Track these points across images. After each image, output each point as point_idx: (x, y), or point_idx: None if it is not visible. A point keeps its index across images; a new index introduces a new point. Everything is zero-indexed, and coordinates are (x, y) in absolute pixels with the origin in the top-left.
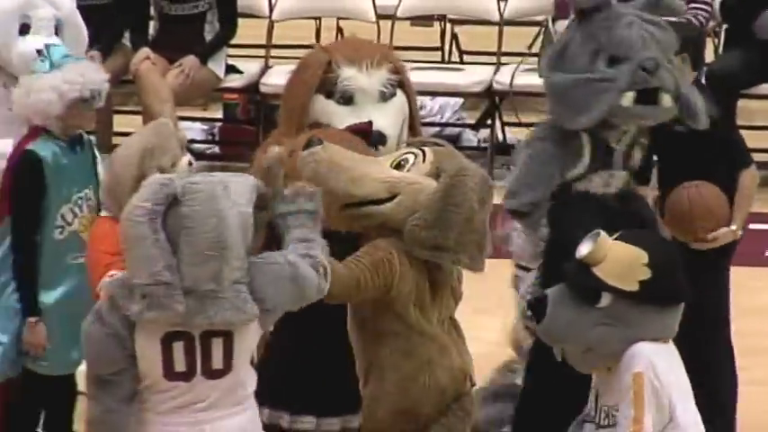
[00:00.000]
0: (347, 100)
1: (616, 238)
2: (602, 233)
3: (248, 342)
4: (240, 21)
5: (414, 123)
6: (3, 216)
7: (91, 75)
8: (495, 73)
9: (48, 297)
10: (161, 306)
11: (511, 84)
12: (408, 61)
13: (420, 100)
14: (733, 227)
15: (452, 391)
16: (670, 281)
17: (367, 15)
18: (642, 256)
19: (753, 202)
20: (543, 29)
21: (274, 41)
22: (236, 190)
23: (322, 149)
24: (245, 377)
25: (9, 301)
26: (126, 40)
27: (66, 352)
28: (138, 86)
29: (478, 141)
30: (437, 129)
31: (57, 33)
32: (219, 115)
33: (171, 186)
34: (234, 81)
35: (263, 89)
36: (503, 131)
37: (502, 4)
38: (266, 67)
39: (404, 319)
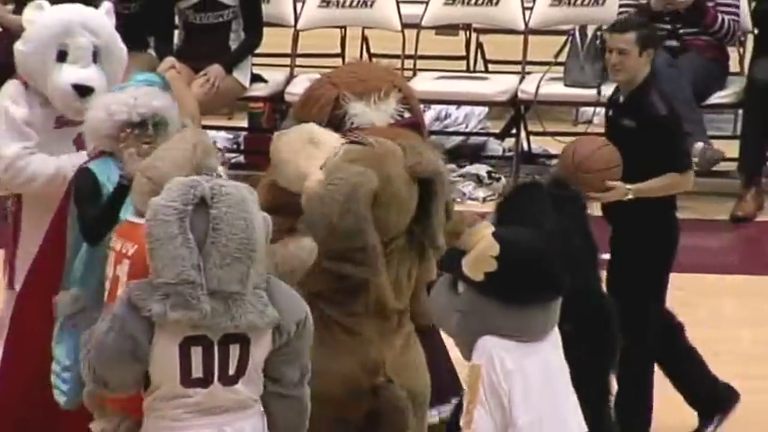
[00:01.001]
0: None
1: (495, 230)
2: (486, 222)
3: (262, 350)
4: (265, 30)
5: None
6: (61, 235)
7: (145, 100)
8: (520, 82)
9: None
10: (186, 306)
11: (536, 93)
12: (433, 70)
13: (445, 109)
14: (628, 186)
15: (365, 382)
16: (517, 279)
17: (392, 24)
18: (494, 248)
19: (663, 192)
20: (569, 38)
21: (300, 50)
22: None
23: (276, 137)
24: (257, 382)
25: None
26: (151, 49)
27: None
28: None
29: (503, 150)
30: (462, 138)
31: (96, 60)
32: (244, 124)
33: (199, 188)
34: (259, 90)
35: (288, 98)
36: (528, 140)
37: (527, 13)
38: (291, 76)
39: (321, 312)
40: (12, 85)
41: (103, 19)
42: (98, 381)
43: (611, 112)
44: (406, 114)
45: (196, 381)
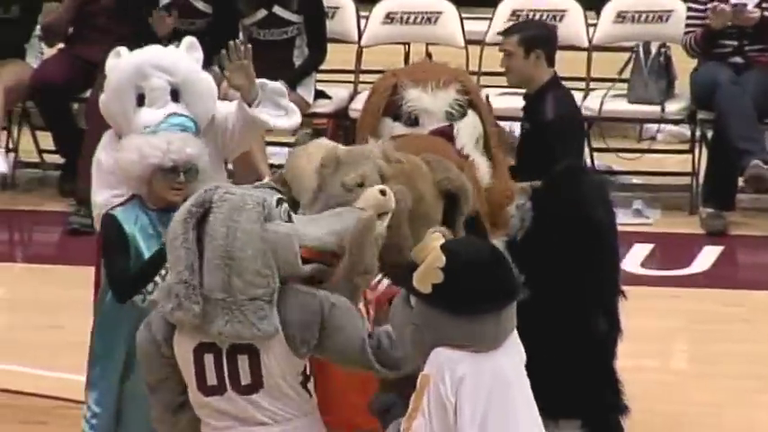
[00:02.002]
0: (413, 121)
1: (443, 242)
2: (437, 233)
3: (278, 361)
4: (329, 46)
5: (488, 144)
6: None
7: (179, 146)
8: (583, 99)
9: (130, 375)
10: (180, 306)
11: (600, 109)
12: (497, 86)
13: (509, 125)
14: None
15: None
16: (462, 289)
17: (456, 41)
18: (439, 260)
19: None
20: (633, 55)
21: (363, 67)
22: (285, 211)
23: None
24: (290, 395)
25: (108, 367)
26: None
27: (143, 426)
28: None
29: None
30: None
31: (177, 99)
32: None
33: (209, 193)
34: (323, 106)
35: (351, 114)
36: (591, 157)
37: (591, 29)
38: (355, 93)
39: None
40: (106, 135)
41: (178, 56)
42: (149, 389)
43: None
44: (470, 114)
45: (212, 388)
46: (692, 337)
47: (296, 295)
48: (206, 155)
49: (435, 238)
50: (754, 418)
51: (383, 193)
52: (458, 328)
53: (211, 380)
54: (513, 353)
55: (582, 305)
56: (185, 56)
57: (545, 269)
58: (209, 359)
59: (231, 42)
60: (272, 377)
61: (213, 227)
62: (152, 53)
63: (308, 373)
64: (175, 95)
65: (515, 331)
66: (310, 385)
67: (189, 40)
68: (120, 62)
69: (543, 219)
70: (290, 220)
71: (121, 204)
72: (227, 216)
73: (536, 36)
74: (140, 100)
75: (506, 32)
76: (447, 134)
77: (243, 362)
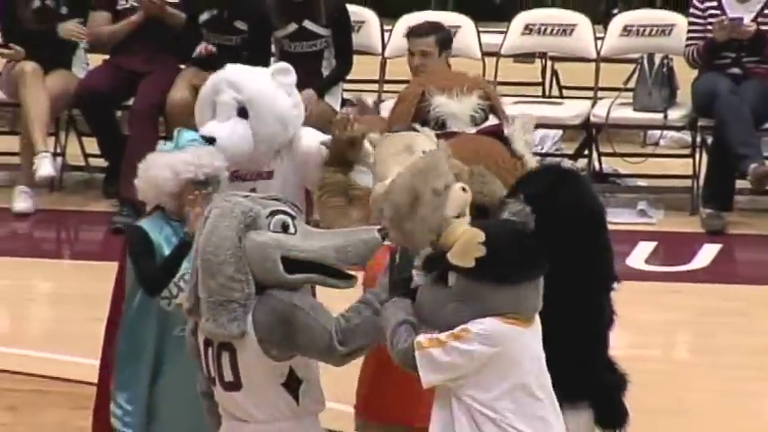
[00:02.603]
0: (441, 125)
1: (470, 224)
2: (456, 221)
3: (252, 362)
4: (355, 57)
5: (505, 143)
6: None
7: (209, 160)
8: (592, 107)
9: (159, 376)
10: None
11: (607, 117)
12: (511, 95)
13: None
14: None
15: None
16: (504, 260)
17: (473, 53)
18: (479, 235)
19: None
20: (638, 66)
21: (387, 77)
22: (276, 222)
23: (383, 137)
24: (269, 397)
25: (137, 366)
26: None
27: (187, 421)
28: None
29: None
30: (538, 158)
31: (245, 115)
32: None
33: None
34: (349, 114)
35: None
36: (599, 161)
37: (599, 42)
38: (379, 101)
39: None
40: None
41: (250, 75)
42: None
43: None
44: (491, 118)
45: (211, 379)
46: (694, 329)
47: (267, 300)
48: (225, 165)
49: (461, 223)
50: (751, 405)
51: (464, 190)
52: (502, 298)
53: (210, 372)
54: (538, 330)
55: (583, 296)
56: (263, 77)
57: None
58: (209, 353)
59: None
60: (248, 377)
61: (201, 231)
62: (229, 71)
63: (297, 377)
64: (243, 112)
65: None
66: (302, 389)
67: (281, 65)
68: (210, 77)
69: (543, 219)
70: (285, 231)
71: (146, 216)
72: (212, 222)
73: (447, 37)
74: (214, 113)
75: (420, 33)
76: (498, 134)
77: (225, 359)
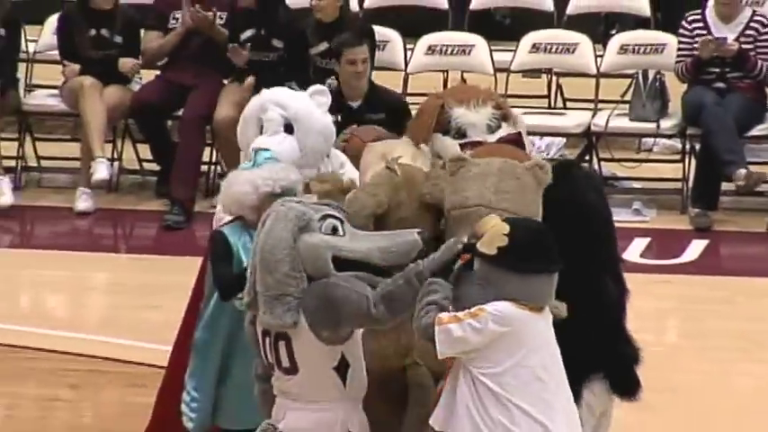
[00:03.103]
0: (461, 134)
1: (502, 219)
2: (492, 216)
3: (306, 348)
4: (381, 73)
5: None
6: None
7: (283, 174)
8: (592, 117)
9: (228, 369)
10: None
11: (606, 126)
12: (520, 107)
13: (531, 139)
14: None
15: (396, 362)
16: (525, 252)
17: (486, 69)
18: (504, 228)
19: None
20: (634, 80)
21: (409, 90)
22: (327, 225)
23: (369, 146)
24: (322, 381)
25: (207, 358)
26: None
27: (250, 412)
28: None
29: None
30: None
31: (291, 131)
32: None
33: (275, 205)
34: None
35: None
36: (599, 165)
37: (599, 59)
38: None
39: None
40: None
41: (294, 95)
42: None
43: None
44: (503, 125)
45: (270, 365)
46: (683, 315)
47: (310, 288)
48: (300, 178)
49: (493, 217)
50: (735, 384)
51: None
52: (517, 285)
53: (269, 359)
54: (549, 321)
55: (593, 274)
56: (303, 97)
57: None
58: (267, 342)
59: None
60: (304, 362)
61: (259, 233)
62: (274, 91)
63: (347, 361)
64: (289, 128)
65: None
66: (350, 373)
67: (317, 87)
68: (254, 99)
69: (546, 208)
70: (334, 233)
71: (227, 224)
72: (269, 224)
73: (374, 46)
74: (261, 130)
75: (358, 43)
76: (517, 141)
77: (282, 347)
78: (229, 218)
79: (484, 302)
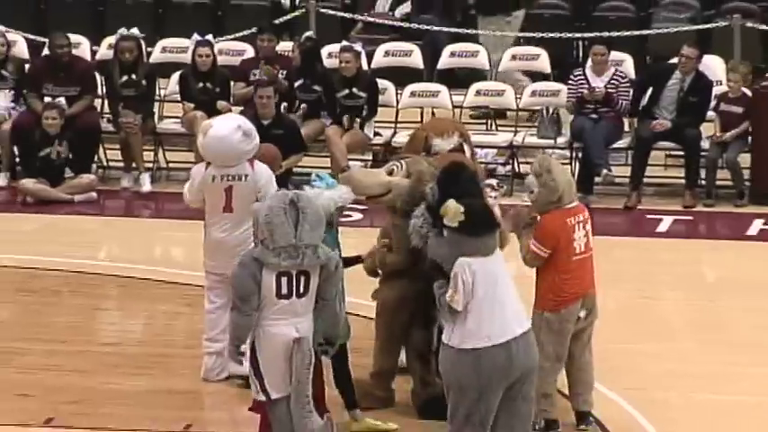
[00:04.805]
0: (436, 155)
1: (457, 201)
2: (451, 200)
3: (316, 280)
4: (381, 108)
5: (472, 159)
6: None
7: (348, 196)
8: (514, 136)
9: None
10: (292, 257)
11: (522, 141)
12: (470, 130)
13: (476, 149)
14: None
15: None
16: (476, 223)
17: (447, 106)
18: (461, 208)
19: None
20: (540, 112)
21: (399, 119)
22: (328, 196)
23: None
24: (313, 300)
25: None
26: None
27: None
28: (327, 142)
29: (505, 172)
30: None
31: None
32: (369, 157)
33: (289, 195)
34: (377, 140)
35: (394, 145)
36: (518, 167)
37: (518, 99)
38: (394, 133)
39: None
40: None
41: None
42: (240, 300)
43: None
44: (465, 146)
45: (283, 295)
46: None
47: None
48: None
49: (453, 202)
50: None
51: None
52: (471, 245)
53: (284, 290)
54: (499, 260)
55: None
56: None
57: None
58: (284, 279)
59: None
60: (312, 289)
61: (307, 209)
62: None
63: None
64: None
65: (499, 249)
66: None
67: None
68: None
69: (445, 193)
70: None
71: None
72: (311, 202)
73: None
74: None
75: (263, 85)
76: (461, 151)
77: (301, 279)
78: None
79: (453, 257)
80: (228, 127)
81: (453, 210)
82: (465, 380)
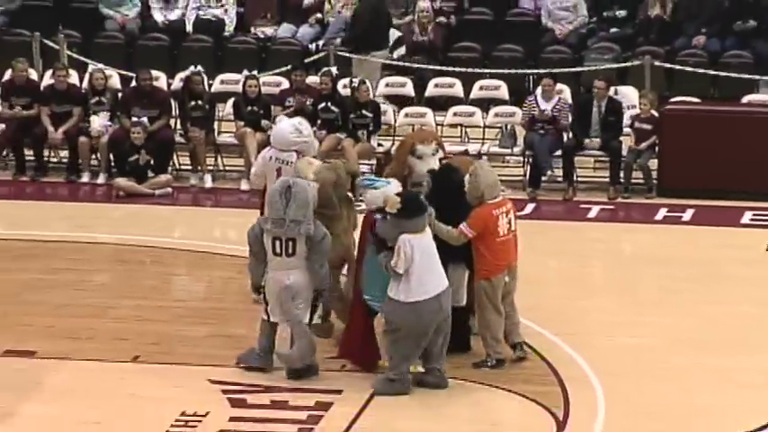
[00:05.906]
0: (420, 158)
1: (396, 194)
2: (391, 194)
3: (303, 246)
4: (384, 127)
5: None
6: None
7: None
8: (481, 146)
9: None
10: (279, 226)
11: (488, 151)
12: (446, 141)
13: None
14: None
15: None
16: (410, 208)
17: (432, 125)
18: (398, 198)
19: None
20: (501, 130)
21: (396, 133)
22: (383, 191)
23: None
24: (303, 258)
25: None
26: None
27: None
28: (343, 151)
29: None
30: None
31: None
32: (373, 162)
33: (288, 181)
34: (379, 149)
35: (393, 154)
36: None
37: (485, 114)
38: (393, 144)
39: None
40: None
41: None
42: (254, 255)
43: None
44: (440, 150)
45: (277, 254)
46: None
47: (317, 222)
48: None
49: (392, 195)
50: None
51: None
52: (408, 225)
53: (277, 250)
54: (428, 236)
55: (459, 219)
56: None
57: (440, 207)
58: (277, 243)
59: None
60: (300, 251)
61: (298, 192)
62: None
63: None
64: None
65: (428, 227)
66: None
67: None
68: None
69: (437, 187)
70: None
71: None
72: (301, 188)
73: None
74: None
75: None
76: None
77: (290, 243)
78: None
79: (393, 234)
80: (290, 122)
81: (392, 200)
82: (409, 324)
